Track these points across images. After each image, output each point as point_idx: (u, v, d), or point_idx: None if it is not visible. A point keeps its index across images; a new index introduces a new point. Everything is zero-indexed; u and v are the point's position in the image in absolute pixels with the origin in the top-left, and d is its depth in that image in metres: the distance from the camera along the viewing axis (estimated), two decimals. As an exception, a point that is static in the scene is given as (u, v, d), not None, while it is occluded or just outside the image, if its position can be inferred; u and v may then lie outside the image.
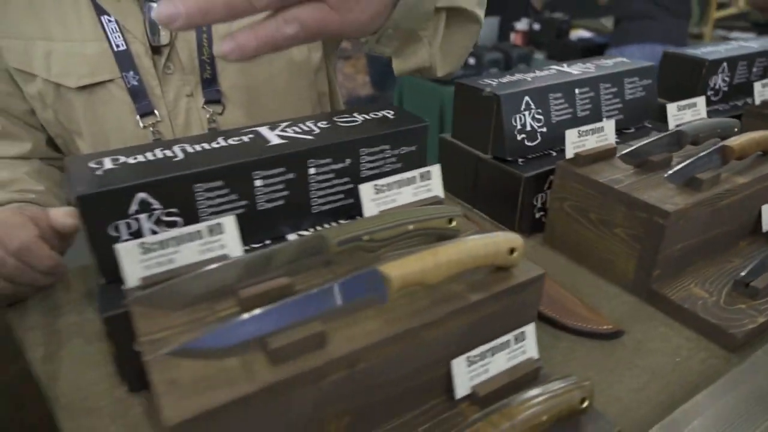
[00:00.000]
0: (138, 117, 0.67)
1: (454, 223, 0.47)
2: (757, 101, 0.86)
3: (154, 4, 0.64)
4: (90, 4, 0.64)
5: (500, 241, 0.42)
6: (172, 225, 0.47)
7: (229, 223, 0.44)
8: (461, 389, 0.43)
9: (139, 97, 0.67)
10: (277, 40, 0.34)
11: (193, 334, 0.36)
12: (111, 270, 0.46)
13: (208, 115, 0.70)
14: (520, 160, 0.71)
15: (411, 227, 0.44)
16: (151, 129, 0.68)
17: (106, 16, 0.64)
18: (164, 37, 0.66)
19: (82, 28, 0.64)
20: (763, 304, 0.55)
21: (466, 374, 0.43)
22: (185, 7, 0.30)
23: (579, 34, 3.33)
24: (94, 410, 0.45)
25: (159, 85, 0.67)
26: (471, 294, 0.41)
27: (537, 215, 0.71)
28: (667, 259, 0.58)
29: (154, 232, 0.46)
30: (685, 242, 0.59)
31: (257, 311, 0.35)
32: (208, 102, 0.70)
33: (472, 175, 0.75)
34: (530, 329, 0.46)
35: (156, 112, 0.68)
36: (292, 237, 0.53)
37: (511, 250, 0.43)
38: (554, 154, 0.73)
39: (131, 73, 0.65)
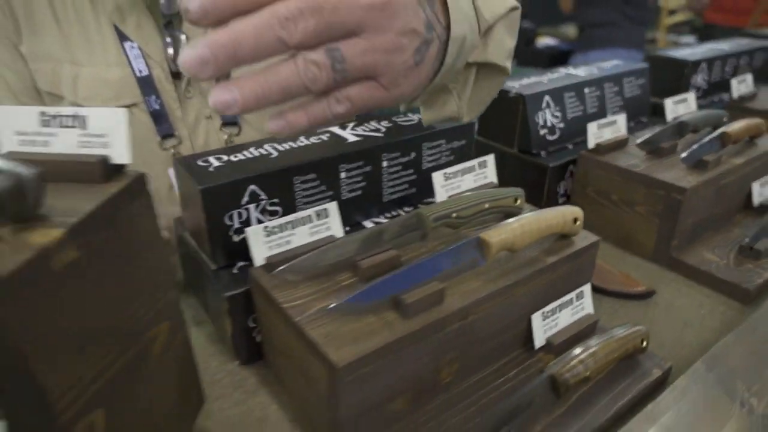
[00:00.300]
0: (159, 139, 0.69)
1: (519, 202, 0.55)
2: (735, 96, 0.97)
3: (183, 37, 0.66)
4: (113, 31, 0.66)
5: (567, 212, 0.50)
6: (273, 214, 0.53)
7: (333, 208, 0.50)
8: (539, 340, 0.50)
9: (161, 120, 0.69)
10: (327, 118, 0.34)
11: (329, 298, 0.42)
12: (223, 256, 0.52)
13: (225, 137, 0.73)
14: (542, 152, 0.80)
15: (487, 205, 0.52)
16: (171, 150, 0.70)
17: (128, 43, 0.66)
18: None
19: (106, 53, 0.67)
20: (766, 263, 0.65)
21: (542, 327, 0.51)
22: (241, 94, 0.30)
23: (545, 41, 3.50)
24: (215, 382, 0.50)
25: (180, 108, 0.69)
26: (546, 257, 0.49)
27: (560, 201, 0.80)
28: (683, 231, 0.67)
29: (260, 221, 0.52)
30: (696, 216, 0.68)
31: (392, 273, 0.41)
32: (225, 124, 0.72)
33: (499, 168, 0.83)
34: (587, 289, 0.54)
35: (176, 134, 0.70)
36: (367, 224, 0.59)
37: (575, 220, 0.51)
38: (571, 146, 0.82)
39: (153, 97, 0.67)
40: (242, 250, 0.52)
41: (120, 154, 0.33)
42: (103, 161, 0.33)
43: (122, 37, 0.66)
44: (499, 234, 0.45)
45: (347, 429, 0.40)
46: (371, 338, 0.39)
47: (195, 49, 0.28)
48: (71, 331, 0.29)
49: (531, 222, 0.47)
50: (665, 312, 0.61)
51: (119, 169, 0.34)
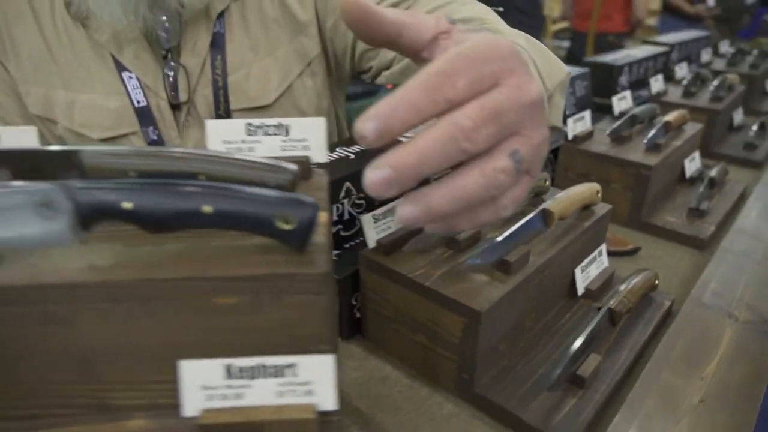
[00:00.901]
0: None
1: (547, 183, 0.68)
2: (653, 92, 1.20)
3: (181, 68, 0.67)
4: (111, 60, 0.66)
5: (592, 187, 0.64)
6: (359, 207, 0.61)
7: (416, 196, 0.60)
8: (580, 288, 0.64)
9: None
10: (490, 222, 0.32)
11: (442, 267, 0.52)
12: (323, 245, 0.59)
13: None
14: (526, 145, 0.94)
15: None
16: None
17: (126, 73, 0.66)
18: (183, 95, 0.68)
19: (104, 82, 0.66)
20: (709, 219, 0.85)
21: (582, 278, 0.64)
22: (428, 212, 0.28)
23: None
24: (330, 354, 0.57)
25: (179, 136, 0.70)
26: (582, 223, 0.63)
27: (544, 185, 0.95)
28: (649, 200, 0.85)
29: (350, 214, 0.60)
30: (656, 187, 0.87)
31: (495, 240, 0.52)
32: None
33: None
34: (603, 247, 0.69)
35: None
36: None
37: (597, 192, 0.65)
38: (545, 139, 0.98)
39: (151, 128, 0.68)
40: (337, 240, 0.60)
41: (319, 154, 0.41)
42: (308, 161, 0.40)
43: (120, 67, 0.66)
44: (557, 205, 0.58)
45: (478, 369, 0.50)
46: (492, 291, 0.50)
47: (380, 171, 0.26)
48: (331, 292, 0.36)
49: (575, 195, 0.61)
50: (649, 262, 0.77)
51: (311, 167, 0.42)
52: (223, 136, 0.40)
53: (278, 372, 0.32)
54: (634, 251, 0.79)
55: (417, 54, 0.35)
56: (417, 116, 0.27)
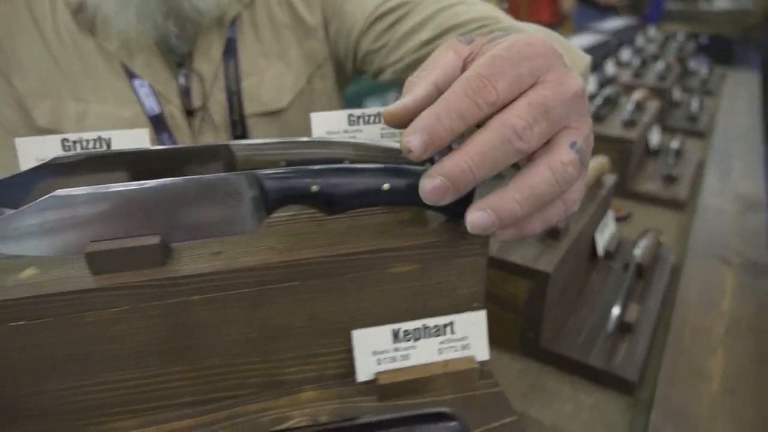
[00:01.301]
0: None
1: (560, 159, 0.75)
2: (608, 75, 1.32)
3: (195, 75, 0.66)
4: (121, 68, 0.65)
5: (603, 159, 0.72)
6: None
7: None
8: (600, 250, 0.71)
9: None
10: (558, 221, 0.31)
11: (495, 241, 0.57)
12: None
13: None
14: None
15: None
16: None
17: (137, 80, 0.65)
18: (197, 101, 0.67)
19: (114, 90, 0.64)
20: (680, 184, 0.96)
21: (601, 242, 0.71)
22: (499, 217, 0.28)
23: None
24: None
25: (193, 143, 0.68)
26: (599, 191, 0.70)
27: (533, 165, 1.03)
28: (632, 168, 0.95)
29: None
30: (635, 159, 0.96)
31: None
32: None
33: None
34: (611, 214, 0.77)
35: None
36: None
37: (607, 164, 0.73)
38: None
39: (166, 135, 0.67)
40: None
41: (415, 139, 0.44)
42: (408, 145, 0.44)
43: (130, 75, 0.65)
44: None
45: (543, 327, 0.56)
46: (550, 255, 0.56)
47: (434, 180, 0.27)
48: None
49: (594, 167, 0.68)
50: (641, 226, 0.86)
51: (407, 151, 0.45)
52: (327, 127, 0.42)
53: (439, 331, 0.35)
54: (626, 216, 0.88)
55: None
56: (462, 123, 0.27)
